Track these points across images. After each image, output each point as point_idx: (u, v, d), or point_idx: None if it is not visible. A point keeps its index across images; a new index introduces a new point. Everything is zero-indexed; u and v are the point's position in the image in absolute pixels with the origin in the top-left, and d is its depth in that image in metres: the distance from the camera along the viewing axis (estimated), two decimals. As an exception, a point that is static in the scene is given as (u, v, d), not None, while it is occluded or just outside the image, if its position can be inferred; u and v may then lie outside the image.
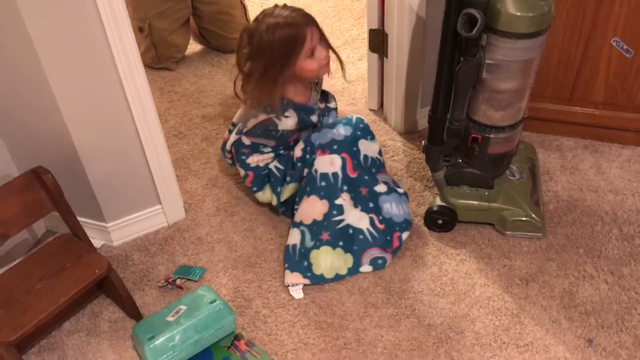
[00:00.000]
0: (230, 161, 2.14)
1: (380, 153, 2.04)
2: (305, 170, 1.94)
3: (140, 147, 1.90)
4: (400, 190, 2.03)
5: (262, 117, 1.92)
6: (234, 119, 2.11)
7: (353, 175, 1.92)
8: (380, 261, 1.90)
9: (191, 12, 2.96)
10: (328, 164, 1.90)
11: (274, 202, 2.05)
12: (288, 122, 1.93)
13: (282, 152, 2.03)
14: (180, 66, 2.99)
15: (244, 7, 3.06)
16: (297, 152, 1.97)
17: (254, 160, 2.03)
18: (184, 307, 1.70)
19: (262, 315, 1.80)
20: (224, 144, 2.12)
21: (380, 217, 1.95)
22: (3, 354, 1.57)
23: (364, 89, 2.67)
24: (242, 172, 2.07)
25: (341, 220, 1.90)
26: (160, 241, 2.06)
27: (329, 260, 1.87)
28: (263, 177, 2.06)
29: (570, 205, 2.07)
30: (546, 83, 2.21)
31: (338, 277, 1.88)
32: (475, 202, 1.96)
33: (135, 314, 1.80)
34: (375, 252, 1.90)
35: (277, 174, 2.02)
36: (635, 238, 1.94)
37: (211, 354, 1.69)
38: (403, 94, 2.34)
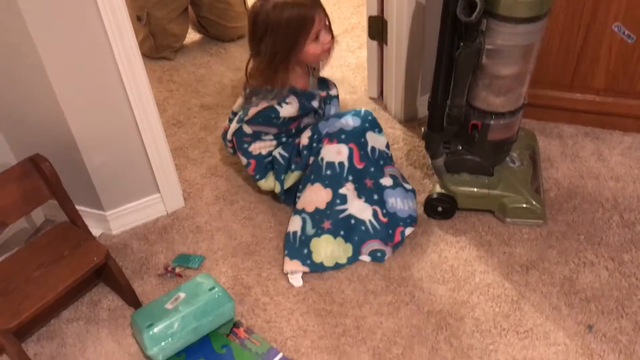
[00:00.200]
0: (231, 150, 2.12)
1: (387, 147, 2.02)
2: (311, 159, 1.93)
3: (139, 136, 1.90)
4: (408, 186, 2.02)
5: (263, 104, 1.90)
6: (234, 108, 2.10)
7: (359, 166, 1.91)
8: (379, 254, 1.88)
9: (189, 1, 2.95)
10: (335, 153, 1.89)
11: (277, 189, 2.04)
12: (289, 108, 1.92)
13: (284, 139, 2.01)
14: (179, 55, 2.98)
15: (243, -4, 3.04)
16: (304, 139, 1.95)
17: (256, 147, 2.02)
18: (182, 295, 1.69)
19: (261, 302, 1.80)
20: (225, 132, 2.11)
21: (384, 211, 1.94)
22: (2, 342, 1.58)
23: (363, 77, 2.65)
24: (244, 160, 2.05)
25: (344, 210, 1.89)
26: (159, 230, 2.06)
27: (329, 248, 1.87)
28: (266, 164, 2.04)
29: (571, 192, 2.06)
30: (546, 70, 2.20)
31: (338, 266, 1.87)
32: (475, 189, 1.95)
33: (134, 302, 1.80)
34: (375, 245, 1.89)
35: (281, 161, 2.01)
36: (636, 225, 1.93)
37: (210, 341, 1.69)
38: (403, 82, 2.32)
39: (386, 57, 2.35)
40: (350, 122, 1.93)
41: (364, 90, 2.62)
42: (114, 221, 2.03)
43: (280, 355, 1.65)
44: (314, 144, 1.93)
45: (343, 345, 1.67)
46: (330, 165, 1.89)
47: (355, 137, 1.91)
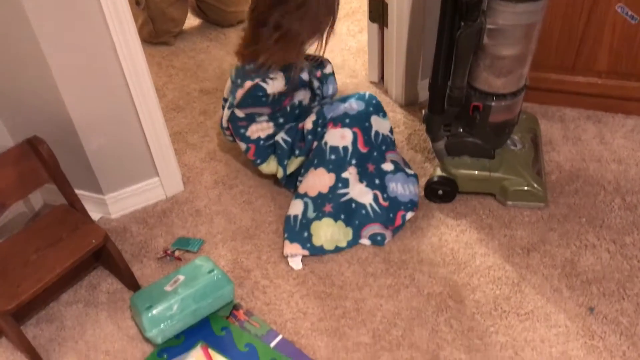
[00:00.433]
0: (230, 138, 2.11)
1: (391, 131, 2.01)
2: (315, 143, 1.91)
3: (138, 120, 1.88)
4: (410, 171, 2.00)
5: (248, 84, 1.88)
6: (224, 94, 2.08)
7: (364, 150, 1.90)
8: (379, 237, 1.88)
9: None
10: (339, 137, 1.88)
11: (280, 174, 2.02)
12: (275, 83, 1.89)
13: (281, 120, 2.00)
14: (178, 40, 2.96)
15: (243, -20, 3.02)
16: (308, 124, 1.93)
17: (253, 131, 2.00)
18: (182, 277, 1.69)
19: (261, 285, 1.79)
20: (222, 120, 2.10)
21: (385, 195, 1.92)
22: (1, 324, 1.57)
23: (364, 61, 2.64)
24: (243, 146, 2.04)
25: (345, 194, 1.88)
26: (158, 213, 2.05)
27: (329, 232, 1.86)
28: (266, 148, 2.03)
29: (573, 175, 2.05)
30: (548, 52, 2.18)
31: (338, 249, 1.86)
32: (476, 172, 1.94)
33: (133, 285, 1.80)
34: (375, 228, 1.88)
35: (284, 146, 1.99)
36: (638, 207, 1.92)
37: (210, 323, 1.68)
38: (403, 65, 2.31)
39: (387, 40, 2.33)
40: (354, 105, 1.91)
41: (364, 75, 2.60)
42: (113, 205, 2.03)
43: (279, 337, 1.64)
44: (319, 129, 1.91)
45: (343, 327, 1.66)
46: (334, 149, 1.87)
47: (359, 122, 1.90)
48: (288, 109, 1.99)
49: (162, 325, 1.60)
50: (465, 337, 1.62)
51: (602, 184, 2.00)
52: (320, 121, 1.91)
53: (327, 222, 1.87)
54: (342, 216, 1.88)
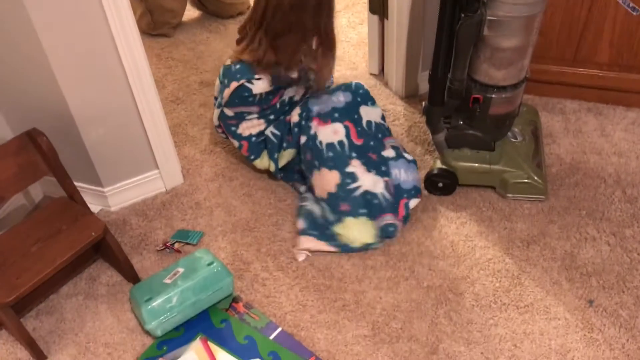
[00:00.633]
0: (223, 135, 2.10)
1: (383, 118, 2.00)
2: (303, 138, 1.89)
3: (137, 112, 1.88)
4: (409, 157, 1.99)
5: (234, 84, 1.87)
6: (215, 92, 2.06)
7: (358, 142, 1.88)
8: (391, 228, 1.84)
9: None
10: (331, 133, 1.86)
11: (272, 168, 2.02)
12: (260, 84, 1.87)
13: (271, 116, 1.98)
14: (178, 32, 2.95)
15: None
16: (294, 117, 1.92)
17: (244, 128, 1.99)
18: (181, 270, 1.69)
19: (260, 278, 1.79)
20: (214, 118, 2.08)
21: (391, 182, 1.91)
22: (0, 316, 1.57)
23: (364, 53, 2.63)
24: (235, 143, 2.03)
25: (357, 187, 1.84)
26: (158, 206, 2.05)
27: (356, 230, 1.81)
28: (259, 144, 2.02)
29: (573, 168, 2.04)
30: (549, 44, 2.17)
31: (367, 247, 1.82)
32: (476, 165, 1.94)
33: (132, 277, 1.80)
34: (387, 218, 1.84)
35: (274, 139, 1.99)
36: (638, 200, 1.92)
37: (209, 315, 1.69)
38: (404, 57, 2.30)
39: (387, 32, 2.32)
40: (341, 98, 1.90)
41: (364, 67, 2.59)
42: (113, 197, 2.02)
43: (279, 329, 1.64)
44: (303, 122, 1.89)
45: (342, 320, 1.66)
46: (330, 146, 1.86)
47: (348, 114, 1.89)
48: (278, 105, 1.97)
49: (161, 318, 1.61)
50: (464, 329, 1.62)
51: (603, 177, 2.00)
52: (304, 114, 1.89)
53: (349, 222, 1.82)
54: (362, 210, 1.83)
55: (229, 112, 1.96)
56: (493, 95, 1.81)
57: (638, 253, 1.77)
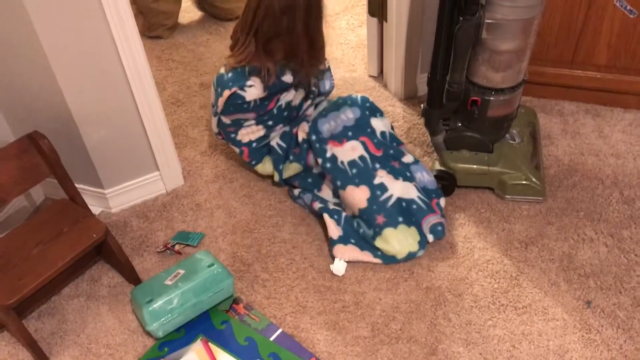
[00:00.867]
0: (224, 141, 2.11)
1: (392, 127, 2.01)
2: (320, 161, 1.88)
3: (137, 114, 1.89)
4: (419, 160, 1.99)
5: (226, 93, 1.88)
6: (211, 100, 2.04)
7: (378, 153, 1.88)
8: (439, 227, 1.82)
9: None
10: (350, 151, 1.87)
11: (276, 178, 2.03)
12: (253, 90, 1.88)
13: (270, 122, 1.99)
14: (178, 34, 2.96)
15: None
16: (302, 134, 1.93)
17: (243, 134, 2.00)
18: (182, 271, 1.70)
19: (260, 279, 1.80)
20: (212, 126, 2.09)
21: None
22: (2, 318, 1.59)
23: (363, 55, 2.64)
24: (236, 149, 2.04)
25: (389, 197, 1.83)
26: (159, 207, 2.06)
27: (396, 241, 1.79)
28: (260, 149, 2.03)
29: (571, 169, 2.05)
30: (547, 46, 2.18)
31: (411, 256, 1.80)
32: (475, 166, 1.95)
33: (134, 278, 1.81)
34: (432, 219, 1.83)
35: (279, 151, 2.00)
36: (635, 201, 1.93)
37: (210, 317, 1.70)
38: (403, 59, 2.31)
39: (386, 34, 2.34)
40: (350, 114, 1.90)
41: (363, 69, 2.61)
42: (114, 199, 2.04)
43: (279, 330, 1.65)
44: (317, 145, 1.88)
45: (342, 321, 1.67)
46: (353, 163, 1.85)
47: (361, 130, 1.89)
48: (275, 111, 1.97)
49: (162, 319, 1.62)
50: (463, 330, 1.63)
51: (601, 178, 2.01)
52: (314, 137, 1.89)
53: (389, 233, 1.80)
54: (400, 219, 1.82)
55: (226, 120, 1.97)
56: (491, 98, 1.83)
57: (635, 254, 1.78)
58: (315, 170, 1.96)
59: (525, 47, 1.74)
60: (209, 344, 1.62)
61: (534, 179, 1.92)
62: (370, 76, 2.57)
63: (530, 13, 1.65)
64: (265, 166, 2.05)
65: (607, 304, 1.66)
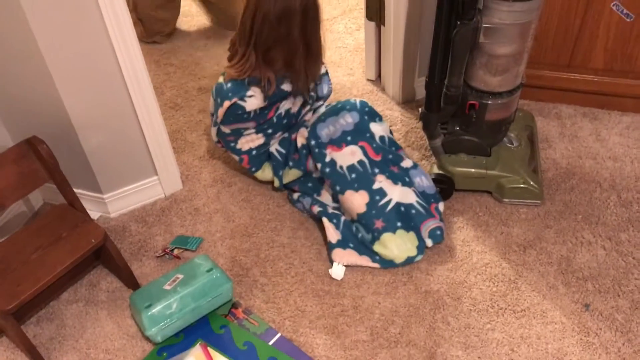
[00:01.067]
0: (223, 149, 2.11)
1: (391, 132, 2.01)
2: (319, 166, 1.89)
3: (136, 118, 1.89)
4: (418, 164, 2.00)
5: (226, 103, 1.88)
6: (210, 109, 2.05)
7: (377, 158, 1.89)
8: (438, 232, 1.83)
9: None
10: (349, 155, 1.87)
11: (276, 184, 2.03)
12: (253, 100, 1.88)
13: (269, 130, 1.99)
14: (176, 39, 2.96)
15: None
16: (300, 139, 1.94)
17: (243, 143, 2.00)
18: (181, 276, 1.70)
19: (259, 283, 1.80)
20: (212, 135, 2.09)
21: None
22: (1, 323, 1.59)
23: (361, 59, 2.64)
24: (236, 157, 2.05)
25: (388, 202, 1.83)
26: (157, 212, 2.06)
27: (394, 245, 1.79)
28: (259, 156, 2.03)
29: (569, 173, 2.06)
30: (545, 50, 2.19)
31: (410, 261, 1.80)
32: (473, 170, 1.95)
33: (132, 283, 1.81)
34: (431, 224, 1.83)
35: (279, 157, 2.00)
36: (633, 204, 1.94)
37: (209, 321, 1.70)
38: (400, 63, 2.31)
39: (384, 38, 2.34)
40: (349, 119, 1.90)
41: (361, 73, 2.61)
42: (112, 204, 2.04)
43: (278, 335, 1.66)
44: (316, 150, 1.89)
45: (341, 325, 1.67)
46: (352, 168, 1.86)
47: (361, 135, 1.89)
48: (275, 119, 1.97)
49: (161, 324, 1.62)
50: (462, 334, 1.63)
51: (598, 181, 2.02)
52: (313, 142, 1.89)
53: (387, 238, 1.80)
54: (398, 224, 1.82)
55: (225, 130, 1.97)
56: (489, 102, 1.83)
57: (633, 257, 1.78)
58: (315, 175, 1.96)
59: (523, 51, 1.75)
60: (208, 348, 1.62)
61: (532, 183, 1.92)
62: (368, 80, 2.57)
63: (528, 17, 1.66)
64: (265, 172, 2.06)
65: (605, 307, 1.67)
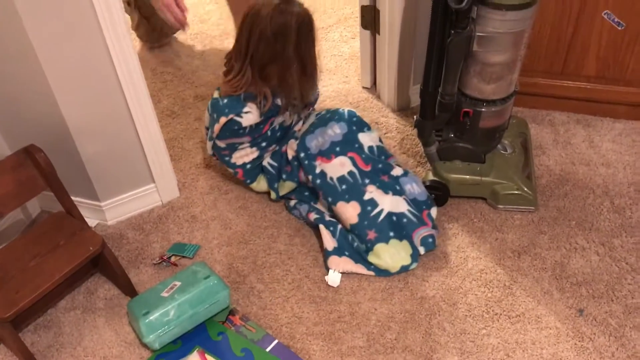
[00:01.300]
0: (219, 162, 2.12)
1: (380, 140, 2.03)
2: (310, 178, 1.91)
3: (133, 126, 1.90)
4: (410, 171, 2.01)
5: (223, 119, 1.90)
6: (205, 123, 2.07)
7: (367, 168, 1.90)
8: (430, 240, 1.84)
9: None
10: (339, 166, 1.88)
11: (273, 196, 2.05)
12: (249, 117, 1.89)
13: (263, 144, 2.00)
14: (173, 47, 2.98)
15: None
16: (290, 152, 1.95)
17: (237, 157, 2.02)
18: (178, 283, 1.71)
19: (256, 290, 1.81)
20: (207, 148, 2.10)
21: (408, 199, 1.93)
22: (-1, 331, 1.59)
23: (357, 66, 2.67)
24: (231, 170, 2.07)
25: (380, 212, 1.85)
26: (154, 219, 2.07)
27: (388, 255, 1.80)
28: (254, 169, 2.05)
29: (562, 179, 2.08)
30: (538, 58, 2.21)
31: (405, 269, 1.81)
32: (468, 177, 1.97)
33: (130, 291, 1.82)
34: (423, 232, 1.85)
35: (272, 170, 2.02)
36: (626, 210, 1.96)
37: (206, 328, 1.71)
38: (395, 71, 2.34)
39: (379, 46, 2.36)
40: (337, 130, 1.92)
41: (357, 80, 2.63)
42: (110, 211, 2.04)
43: (275, 341, 1.66)
44: (306, 162, 1.91)
45: (338, 331, 1.69)
46: (342, 179, 1.87)
47: (349, 145, 1.91)
48: (269, 133, 1.99)
49: (159, 331, 1.62)
50: (458, 339, 1.64)
51: (591, 188, 2.04)
52: (303, 154, 1.91)
53: (380, 248, 1.81)
54: (391, 233, 1.83)
55: (221, 144, 1.99)
56: (483, 109, 1.85)
57: (626, 262, 1.80)
58: (309, 185, 1.98)
59: (516, 59, 1.77)
60: (206, 355, 1.63)
61: (526, 189, 1.94)
62: (363, 87, 2.59)
63: (521, 26, 1.68)
64: (260, 184, 2.07)
65: (599, 312, 1.68)
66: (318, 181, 1.89)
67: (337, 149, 1.90)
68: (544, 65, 2.23)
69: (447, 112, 1.89)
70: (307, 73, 1.89)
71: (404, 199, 1.89)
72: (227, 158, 2.02)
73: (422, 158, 2.20)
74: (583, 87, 2.24)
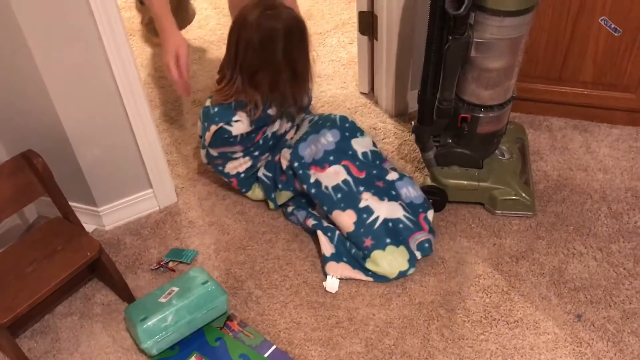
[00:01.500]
0: (213, 170, 2.12)
1: (374, 144, 2.02)
2: (305, 187, 1.90)
3: (131, 132, 1.90)
4: (405, 174, 2.01)
5: (213, 128, 1.90)
6: (199, 132, 2.06)
7: (361, 175, 1.90)
8: (426, 244, 1.84)
9: None
10: (333, 175, 1.88)
11: (271, 207, 2.05)
12: (240, 125, 1.89)
13: (255, 153, 2.00)
14: (170, 52, 2.97)
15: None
16: (284, 161, 1.95)
17: (231, 168, 2.02)
18: (176, 289, 1.70)
19: (254, 296, 1.81)
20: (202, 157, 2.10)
21: (404, 203, 1.92)
22: (-4, 337, 1.58)
23: (354, 72, 2.67)
24: (225, 179, 2.07)
25: (376, 219, 1.84)
26: (152, 225, 2.06)
27: (385, 262, 1.80)
28: (248, 178, 2.05)
29: (560, 184, 2.08)
30: (535, 63, 2.22)
31: (402, 274, 1.81)
32: (465, 182, 1.97)
33: (127, 296, 1.81)
34: (419, 237, 1.85)
35: (267, 181, 2.02)
36: (623, 215, 1.96)
37: (204, 334, 1.70)
38: (393, 76, 2.34)
39: (376, 52, 2.37)
40: (330, 138, 1.92)
41: (355, 86, 2.64)
42: (107, 217, 2.04)
43: (273, 347, 1.66)
44: (300, 171, 1.91)
45: (336, 337, 1.68)
46: (337, 188, 1.87)
47: (343, 154, 1.91)
48: (261, 142, 1.99)
49: (157, 337, 1.62)
50: (456, 345, 1.64)
51: (589, 193, 2.04)
52: (296, 164, 1.91)
53: (377, 255, 1.80)
54: (387, 240, 1.82)
55: (213, 153, 1.99)
56: (480, 115, 1.86)
57: (624, 268, 1.81)
58: (305, 193, 1.97)
59: (514, 65, 1.78)
60: (203, 361, 1.63)
61: (523, 194, 1.95)
62: (361, 93, 2.60)
63: (518, 32, 1.69)
64: (256, 192, 2.07)
65: (597, 317, 1.68)
66: (313, 190, 1.90)
67: (331, 157, 1.90)
68: (541, 71, 2.23)
69: (444, 117, 1.90)
70: (298, 79, 1.88)
71: (400, 204, 1.89)
72: (220, 168, 2.03)
73: (419, 163, 2.20)
74: (580, 92, 2.25)
